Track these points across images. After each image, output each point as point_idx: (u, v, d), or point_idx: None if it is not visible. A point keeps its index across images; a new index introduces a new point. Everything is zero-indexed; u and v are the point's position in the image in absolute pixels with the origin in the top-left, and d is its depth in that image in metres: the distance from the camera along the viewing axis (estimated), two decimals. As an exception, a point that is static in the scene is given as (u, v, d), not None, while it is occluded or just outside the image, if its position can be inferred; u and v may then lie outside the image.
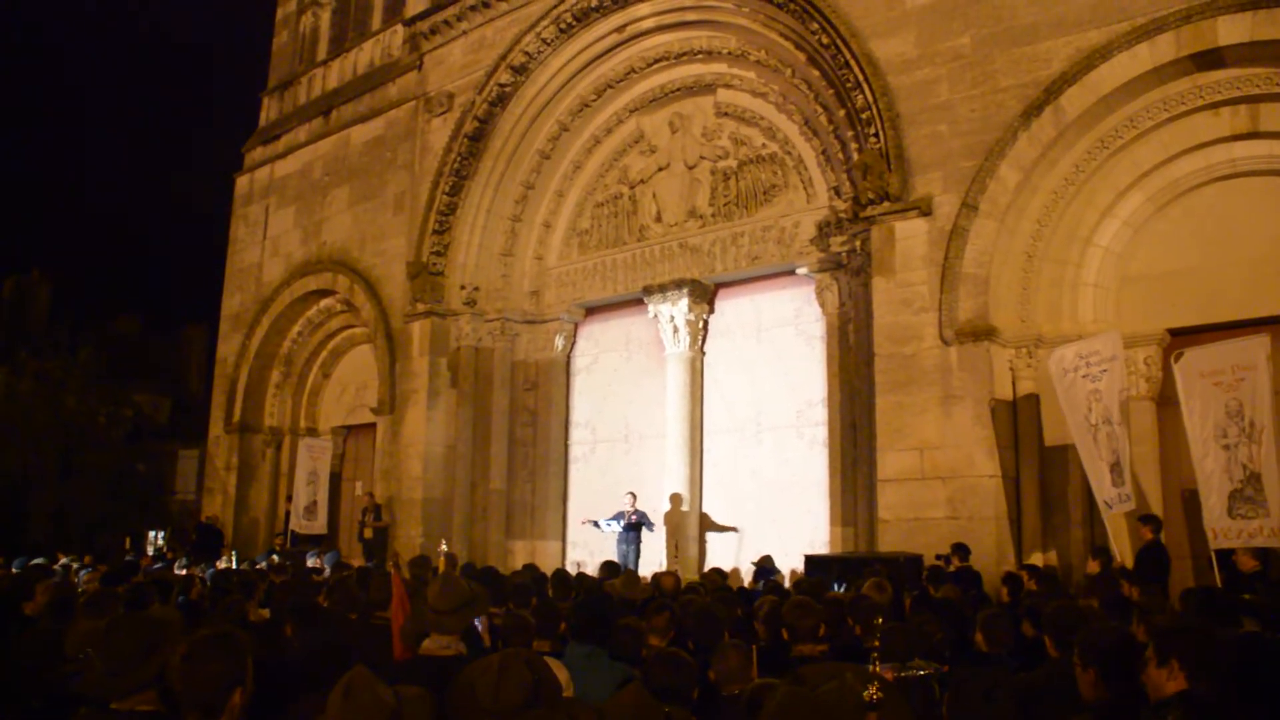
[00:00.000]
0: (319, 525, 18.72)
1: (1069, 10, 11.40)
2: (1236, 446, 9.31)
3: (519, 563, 14.71)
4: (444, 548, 10.36)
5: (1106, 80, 11.01)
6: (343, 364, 21.07)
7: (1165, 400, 10.96)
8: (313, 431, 20.93)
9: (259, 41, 24.25)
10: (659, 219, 16.16)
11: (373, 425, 18.65)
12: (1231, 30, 10.35)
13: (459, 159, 17.15)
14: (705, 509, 15.28)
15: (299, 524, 18.72)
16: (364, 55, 20.98)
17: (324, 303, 20.36)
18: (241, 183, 22.97)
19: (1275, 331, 9.70)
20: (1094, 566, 9.88)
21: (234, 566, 13.03)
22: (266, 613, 7.57)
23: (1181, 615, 5.93)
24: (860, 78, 12.62)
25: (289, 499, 19.64)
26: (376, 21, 21.01)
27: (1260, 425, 9.17)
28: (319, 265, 20.08)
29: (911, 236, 11.98)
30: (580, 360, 17.52)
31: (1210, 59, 10.60)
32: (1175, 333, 11.29)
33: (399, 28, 19.61)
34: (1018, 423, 11.68)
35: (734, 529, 14.95)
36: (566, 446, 17.34)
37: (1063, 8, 11.45)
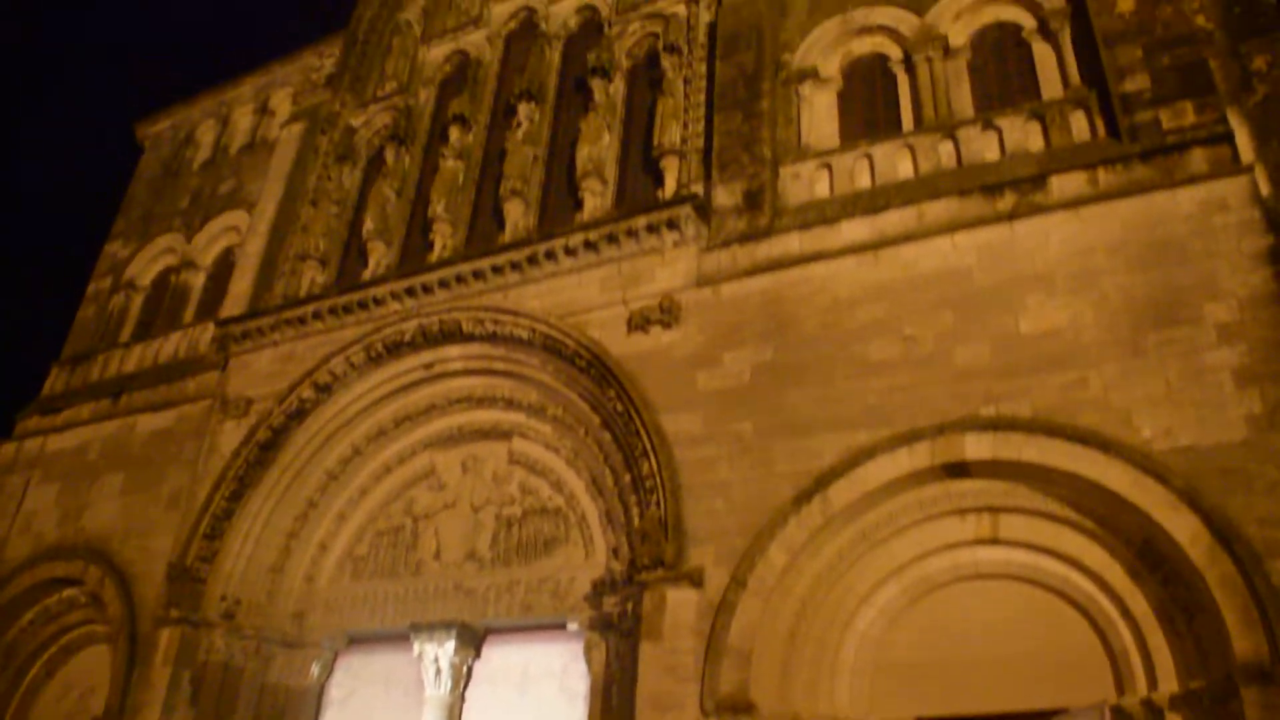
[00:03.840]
0: None
1: (842, 411, 12.41)
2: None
3: None
4: None
5: (871, 478, 11.87)
6: (73, 663, 19.03)
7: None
8: (17, 738, 18.69)
9: (50, 306, 23.49)
10: (438, 556, 15.97)
11: (92, 739, 16.84)
12: (976, 447, 11.48)
13: (246, 465, 16.76)
14: None
15: None
16: (169, 345, 20.67)
17: (68, 593, 18.66)
18: (6, 450, 21.42)
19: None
20: None
21: None
22: None
23: None
24: (648, 447, 13.25)
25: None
26: (189, 315, 20.98)
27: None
28: (72, 552, 18.60)
29: (682, 605, 12.21)
30: (335, 691, 16.50)
31: (959, 469, 11.63)
32: (924, 721, 11.61)
33: (210, 325, 19.53)
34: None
35: None
36: (308, 783, 16.01)
37: (837, 409, 12.46)
